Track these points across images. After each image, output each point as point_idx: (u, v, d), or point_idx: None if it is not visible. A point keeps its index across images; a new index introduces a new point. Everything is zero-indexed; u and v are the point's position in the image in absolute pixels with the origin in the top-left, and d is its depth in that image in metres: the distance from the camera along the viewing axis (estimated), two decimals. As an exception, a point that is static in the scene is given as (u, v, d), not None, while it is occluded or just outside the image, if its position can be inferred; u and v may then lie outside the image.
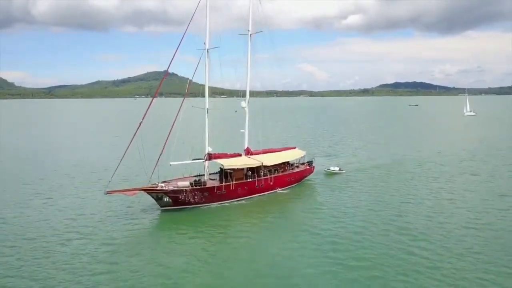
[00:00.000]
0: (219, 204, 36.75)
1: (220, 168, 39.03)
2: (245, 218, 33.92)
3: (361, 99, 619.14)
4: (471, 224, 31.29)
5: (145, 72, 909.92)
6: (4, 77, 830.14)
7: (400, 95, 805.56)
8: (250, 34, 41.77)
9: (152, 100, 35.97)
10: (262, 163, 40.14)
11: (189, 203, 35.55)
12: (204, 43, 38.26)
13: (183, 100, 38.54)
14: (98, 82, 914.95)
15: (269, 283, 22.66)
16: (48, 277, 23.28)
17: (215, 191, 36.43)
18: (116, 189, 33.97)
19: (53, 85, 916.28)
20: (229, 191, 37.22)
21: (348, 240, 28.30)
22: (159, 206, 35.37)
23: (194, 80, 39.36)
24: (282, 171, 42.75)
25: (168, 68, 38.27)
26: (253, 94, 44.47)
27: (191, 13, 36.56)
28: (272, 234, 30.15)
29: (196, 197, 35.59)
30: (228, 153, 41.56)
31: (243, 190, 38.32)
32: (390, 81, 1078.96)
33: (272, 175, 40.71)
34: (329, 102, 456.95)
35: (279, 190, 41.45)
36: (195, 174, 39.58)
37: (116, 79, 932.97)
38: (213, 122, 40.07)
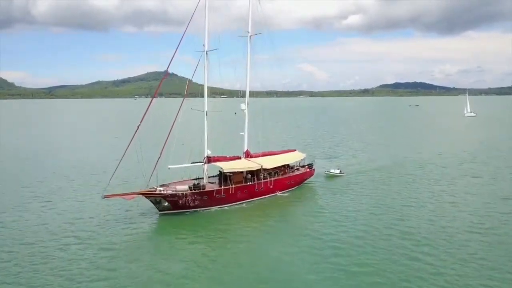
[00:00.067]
0: (218, 208, 36.40)
1: (220, 171, 38.68)
2: (245, 222, 33.57)
3: (361, 99, 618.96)
4: (474, 228, 30.94)
5: (145, 72, 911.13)
6: (4, 77, 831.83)
7: (400, 95, 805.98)
8: (250, 36, 41.44)
9: (151, 101, 35.65)
10: (262, 166, 39.77)
11: (188, 207, 35.20)
12: (203, 45, 37.94)
13: (183, 100, 38.19)
14: (98, 82, 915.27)
15: (270, 289, 22.29)
16: (45, 284, 22.98)
17: (214, 194, 36.06)
18: (114, 193, 33.56)
19: (53, 85, 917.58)
20: (229, 195, 36.86)
21: (350, 244, 27.96)
22: (157, 210, 35.00)
23: (193, 80, 39.08)
24: (282, 174, 42.38)
25: (167, 68, 37.98)
26: (253, 94, 44.12)
27: (191, 13, 36.29)
28: (272, 239, 29.81)
29: (195, 201, 35.23)
30: (228, 156, 41.13)
31: (242, 193, 37.95)
32: (390, 81, 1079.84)
33: (272, 178, 40.35)
34: (329, 102, 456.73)
35: (279, 194, 41.09)
36: (194, 178, 39.20)
37: (116, 79, 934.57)
38: (212, 124, 39.70)
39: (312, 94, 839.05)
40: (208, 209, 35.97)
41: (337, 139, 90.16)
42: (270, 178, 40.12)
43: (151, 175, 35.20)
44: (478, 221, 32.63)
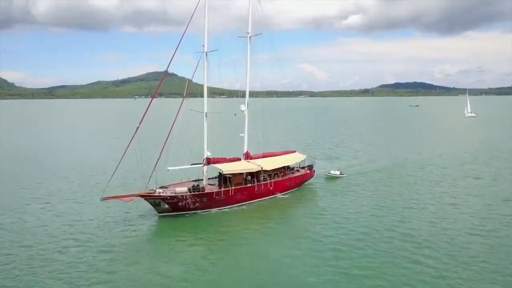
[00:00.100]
0: (218, 210, 36.19)
1: (219, 173, 38.47)
2: (246, 224, 33.36)
3: (361, 99, 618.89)
4: (476, 230, 30.74)
5: (145, 72, 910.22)
6: (4, 77, 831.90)
7: (400, 95, 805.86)
8: (250, 37, 41.24)
9: (151, 101, 35.46)
10: (261, 167, 39.57)
11: (188, 209, 34.98)
12: (203, 46, 37.75)
13: (182, 101, 38.00)
14: (98, 82, 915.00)
15: (270, 293, 22.13)
16: (44, 287, 22.78)
17: (214, 196, 35.86)
18: (113, 195, 33.34)
19: (53, 85, 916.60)
20: (228, 197, 36.65)
21: (351, 247, 27.76)
22: (156, 212, 34.80)
23: (193, 81, 38.90)
24: (282, 176, 42.15)
25: (167, 68, 37.73)
26: (253, 94, 43.94)
27: (191, 13, 36.09)
28: (273, 241, 29.61)
29: (195, 203, 35.02)
30: (227, 158, 40.91)
31: (242, 195, 37.75)
32: (391, 81, 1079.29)
33: (272, 180, 40.14)
34: (330, 102, 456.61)
35: (279, 195, 40.88)
36: (194, 179, 38.97)
37: (116, 79, 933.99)
38: (212, 125, 39.49)
39: (312, 94, 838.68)
40: (208, 211, 35.77)
41: (337, 140, 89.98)
42: (270, 179, 39.92)
43: (150, 177, 34.99)
44: (480, 223, 32.44)
